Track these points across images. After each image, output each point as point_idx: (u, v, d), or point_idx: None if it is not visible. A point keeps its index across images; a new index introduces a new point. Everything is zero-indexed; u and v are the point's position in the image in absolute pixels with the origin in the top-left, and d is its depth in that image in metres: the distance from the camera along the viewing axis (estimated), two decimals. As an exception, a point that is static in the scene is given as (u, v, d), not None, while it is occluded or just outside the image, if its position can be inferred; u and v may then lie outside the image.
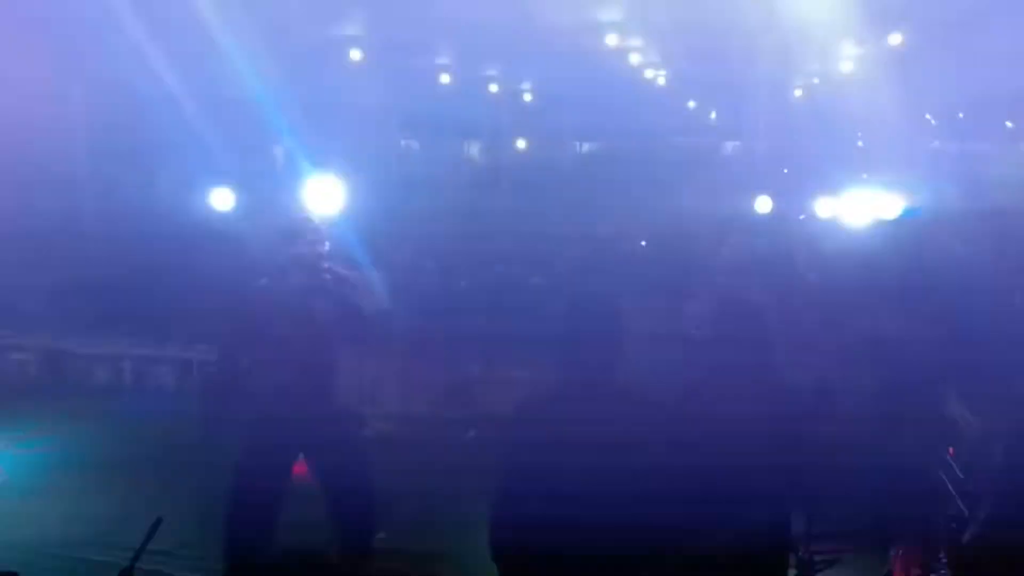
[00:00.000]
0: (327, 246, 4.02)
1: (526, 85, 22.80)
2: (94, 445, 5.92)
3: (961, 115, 20.27)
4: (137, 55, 7.72)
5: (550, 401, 2.64)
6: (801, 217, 13.50)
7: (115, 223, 8.27)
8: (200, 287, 6.19)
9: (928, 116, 22.69)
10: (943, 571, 3.14)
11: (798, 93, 21.30)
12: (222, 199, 7.23)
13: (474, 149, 27.89)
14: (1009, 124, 15.50)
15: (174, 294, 7.13)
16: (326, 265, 4.03)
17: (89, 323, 7.43)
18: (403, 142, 22.62)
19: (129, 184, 8.46)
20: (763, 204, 13.20)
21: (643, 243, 13.76)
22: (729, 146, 30.49)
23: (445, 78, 19.12)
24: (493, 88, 21.54)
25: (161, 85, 8.09)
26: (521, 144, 24.29)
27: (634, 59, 19.19)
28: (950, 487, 3.47)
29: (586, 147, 30.94)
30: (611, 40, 15.47)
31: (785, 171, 17.51)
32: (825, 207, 9.45)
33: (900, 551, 3.35)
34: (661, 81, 23.90)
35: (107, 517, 4.83)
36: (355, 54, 14.84)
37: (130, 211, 8.09)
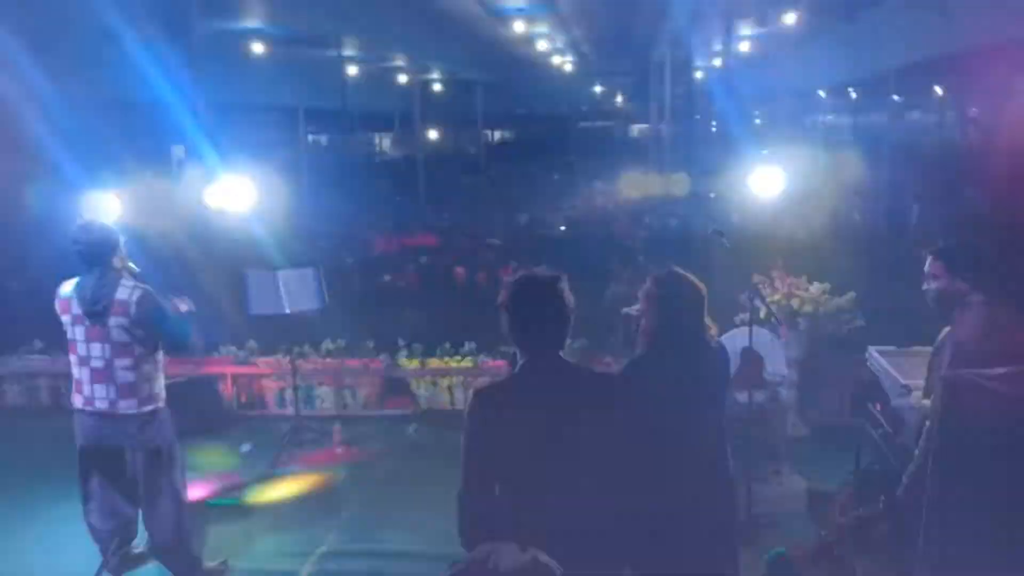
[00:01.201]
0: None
1: (435, 75, 22.56)
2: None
3: (851, 90, 21.27)
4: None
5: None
6: (712, 195, 13.96)
7: (23, 233, 7.85)
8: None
9: (821, 92, 23.72)
10: (879, 522, 3.32)
11: (699, 75, 21.87)
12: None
13: (385, 141, 27.45)
14: (896, 98, 16.34)
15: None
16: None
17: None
18: (311, 136, 22.07)
19: (28, 191, 7.99)
20: (675, 184, 13.56)
21: (562, 228, 13.97)
22: (635, 129, 31.12)
23: (352, 70, 18.77)
24: (402, 79, 21.26)
25: (52, 85, 7.67)
26: (432, 134, 24.06)
27: (541, 46, 19.28)
28: (881, 441, 3.68)
29: (497, 135, 31.02)
30: (518, 27, 15.50)
31: (686, 153, 18.02)
32: (731, 184, 9.79)
33: (837, 506, 3.52)
34: (568, 67, 24.13)
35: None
36: (257, 47, 14.36)
37: (36, 220, 7.66)
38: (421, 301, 8.79)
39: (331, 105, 17.83)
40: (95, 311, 3.86)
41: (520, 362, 2.52)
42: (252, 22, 13.08)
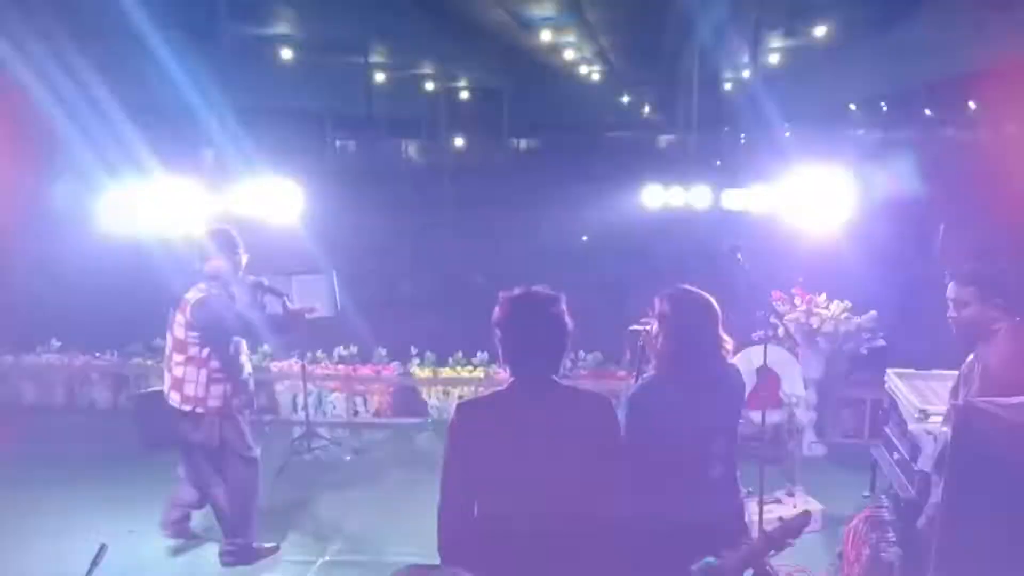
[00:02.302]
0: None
1: (462, 83, 22.65)
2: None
3: (883, 104, 21.00)
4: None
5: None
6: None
7: (46, 234, 7.95)
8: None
9: (852, 106, 23.43)
10: (892, 549, 3.21)
11: (728, 86, 21.69)
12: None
13: (412, 148, 27.57)
14: (928, 112, 16.10)
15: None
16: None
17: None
18: (339, 142, 22.23)
19: (48, 192, 8.10)
20: (699, 197, 13.37)
21: (584, 238, 13.87)
22: (663, 140, 30.97)
23: (380, 76, 18.90)
24: (429, 86, 21.37)
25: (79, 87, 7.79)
26: (459, 142, 24.12)
27: (569, 55, 19.28)
28: (897, 467, 3.55)
29: (524, 143, 31.02)
30: (546, 36, 15.51)
31: (718, 163, 17.82)
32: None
33: (850, 531, 3.40)
34: (596, 77, 24.09)
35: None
36: (286, 53, 14.50)
37: (54, 219, 7.76)
38: (437, 309, 8.76)
39: (358, 111, 17.97)
40: (170, 304, 4.21)
41: (509, 380, 2.45)
42: (281, 28, 13.21)
